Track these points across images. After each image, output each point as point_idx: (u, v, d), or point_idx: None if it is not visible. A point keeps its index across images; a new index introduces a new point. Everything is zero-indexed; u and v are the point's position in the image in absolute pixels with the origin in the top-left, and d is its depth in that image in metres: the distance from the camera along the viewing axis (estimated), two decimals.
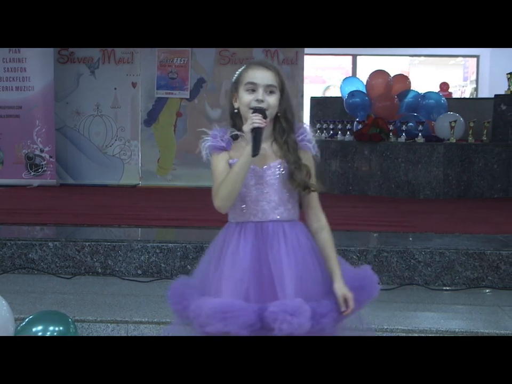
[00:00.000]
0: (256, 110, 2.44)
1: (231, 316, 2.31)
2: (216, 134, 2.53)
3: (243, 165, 2.43)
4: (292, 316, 2.31)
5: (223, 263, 2.46)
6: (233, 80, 2.57)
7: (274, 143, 2.53)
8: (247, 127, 2.42)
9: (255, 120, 2.41)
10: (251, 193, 2.50)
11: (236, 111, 2.55)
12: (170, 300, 2.59)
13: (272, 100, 2.49)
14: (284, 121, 2.52)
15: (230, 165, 2.49)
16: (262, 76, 2.49)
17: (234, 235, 2.50)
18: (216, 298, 2.38)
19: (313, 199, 2.57)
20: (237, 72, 2.57)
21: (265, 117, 2.43)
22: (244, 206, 2.50)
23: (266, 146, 2.51)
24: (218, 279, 2.44)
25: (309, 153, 2.56)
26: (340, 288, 2.50)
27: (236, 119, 2.57)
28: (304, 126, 2.60)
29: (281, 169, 2.50)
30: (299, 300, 2.37)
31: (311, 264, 2.50)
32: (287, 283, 2.41)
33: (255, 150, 2.40)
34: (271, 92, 2.49)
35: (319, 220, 2.58)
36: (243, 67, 2.56)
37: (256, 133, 2.40)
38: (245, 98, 2.49)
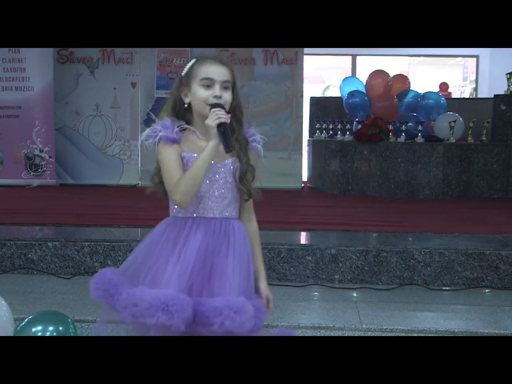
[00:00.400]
0: (215, 106, 2.41)
1: (176, 309, 2.28)
2: (168, 125, 2.48)
3: (206, 159, 2.39)
4: (236, 314, 2.31)
5: (168, 256, 2.42)
6: (184, 73, 2.52)
7: None
8: (212, 122, 2.38)
9: (220, 115, 2.38)
10: (205, 189, 2.47)
11: (185, 105, 2.51)
12: (94, 285, 2.48)
13: (227, 96, 2.47)
14: (234, 119, 2.49)
15: (183, 159, 2.45)
16: (218, 72, 2.46)
17: (184, 229, 2.46)
18: (160, 290, 2.34)
19: (250, 200, 2.57)
20: (188, 66, 2.52)
21: (227, 112, 2.42)
22: (197, 201, 2.46)
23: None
24: (161, 271, 2.41)
25: (255, 155, 2.56)
26: (265, 288, 2.56)
27: (184, 113, 2.52)
28: (251, 127, 2.59)
29: (234, 168, 2.49)
30: (242, 298, 2.38)
31: (249, 263, 2.50)
32: (232, 281, 2.41)
33: (228, 146, 2.38)
34: (226, 88, 2.48)
35: (250, 219, 2.61)
36: (193, 60, 2.52)
37: (224, 127, 2.38)
38: (201, 93, 2.45)
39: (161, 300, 2.29)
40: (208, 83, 2.45)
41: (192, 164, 2.42)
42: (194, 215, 2.48)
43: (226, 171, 2.49)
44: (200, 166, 2.39)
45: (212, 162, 2.44)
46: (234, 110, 2.51)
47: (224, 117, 2.39)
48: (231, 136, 2.41)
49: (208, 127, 2.40)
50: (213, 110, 2.40)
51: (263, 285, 2.56)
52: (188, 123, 2.52)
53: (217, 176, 2.48)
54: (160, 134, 2.45)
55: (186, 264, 2.39)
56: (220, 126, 2.38)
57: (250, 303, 2.39)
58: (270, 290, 2.59)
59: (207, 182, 2.46)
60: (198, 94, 2.46)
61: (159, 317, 2.28)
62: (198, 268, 2.40)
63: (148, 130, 2.50)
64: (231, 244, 2.46)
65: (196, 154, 2.44)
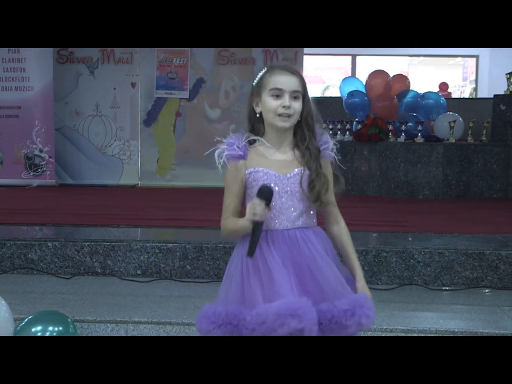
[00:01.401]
0: (262, 191, 2.37)
1: (303, 312, 2.29)
2: (233, 142, 2.49)
3: (242, 228, 2.43)
4: (368, 310, 2.41)
5: (263, 270, 2.40)
6: (255, 83, 2.53)
7: (296, 149, 2.52)
8: (249, 216, 2.36)
9: (257, 211, 2.34)
10: (276, 201, 2.46)
11: (257, 115, 2.52)
12: (210, 325, 2.42)
13: (297, 106, 2.48)
14: (305, 127, 2.51)
15: (248, 175, 2.46)
16: (287, 82, 2.47)
17: (262, 245, 2.43)
18: (279, 300, 2.32)
19: (332, 203, 2.63)
20: (259, 76, 2.52)
21: (268, 203, 2.37)
22: (269, 214, 2.44)
23: (289, 152, 2.51)
24: (267, 285, 2.38)
25: (328, 163, 2.58)
26: (362, 287, 2.57)
27: (256, 123, 2.54)
28: (325, 134, 2.59)
29: (303, 176, 2.49)
30: (363, 294, 2.46)
31: (336, 268, 2.51)
32: (340, 281, 2.45)
33: (251, 251, 2.38)
34: (296, 98, 2.48)
35: (338, 222, 2.65)
36: (264, 70, 2.53)
37: (256, 227, 2.36)
38: (271, 103, 2.46)
39: (287, 307, 2.29)
40: (278, 93, 2.46)
41: (234, 222, 2.46)
42: (267, 228, 2.46)
43: (295, 181, 2.48)
44: (237, 230, 2.46)
45: (280, 174, 2.46)
46: (306, 118, 2.51)
47: (260, 215, 2.35)
48: (258, 239, 2.38)
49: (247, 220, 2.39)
50: (253, 201, 2.37)
51: (360, 284, 2.56)
52: (259, 133, 2.53)
53: (287, 187, 2.48)
54: (225, 153, 2.47)
55: (285, 272, 2.39)
56: (255, 222, 2.36)
57: None
58: (367, 288, 2.60)
59: (277, 193, 2.45)
60: (267, 104, 2.47)
61: (290, 323, 2.28)
62: (293, 276, 2.40)
63: (218, 150, 2.50)
64: (313, 251, 2.46)
65: (261, 168, 2.45)
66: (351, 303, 2.38)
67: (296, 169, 2.49)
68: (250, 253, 2.37)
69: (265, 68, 2.54)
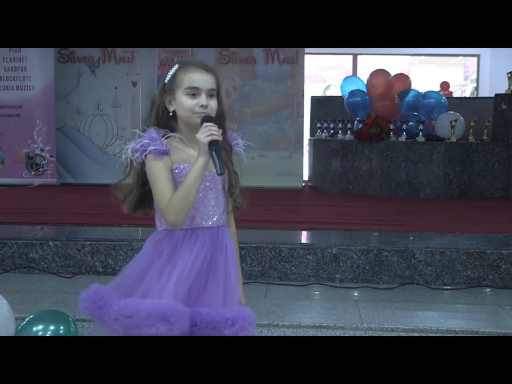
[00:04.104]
0: (207, 119, 2.33)
1: (176, 320, 2.23)
2: (155, 137, 2.36)
3: (197, 176, 2.30)
4: (249, 325, 2.30)
5: (162, 268, 2.35)
6: (167, 80, 2.45)
7: None
8: (204, 138, 2.27)
9: (213, 131, 2.29)
10: (201, 199, 2.40)
11: (170, 114, 2.43)
12: (81, 298, 2.41)
13: (213, 104, 2.41)
14: (218, 126, 2.38)
15: (174, 170, 2.37)
16: (203, 80, 2.39)
17: (183, 241, 2.38)
18: (157, 300, 2.27)
19: (230, 205, 2.52)
20: (171, 72, 2.45)
21: (219, 127, 2.33)
22: (194, 211, 2.38)
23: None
24: (154, 283, 2.33)
25: (237, 159, 2.51)
26: (243, 297, 2.53)
27: (168, 121, 2.44)
28: (233, 131, 2.55)
29: (223, 176, 2.41)
30: (249, 308, 2.37)
31: (236, 269, 2.47)
32: (235, 290, 2.39)
33: (220, 168, 2.28)
34: (211, 96, 2.41)
35: (231, 225, 2.56)
36: (176, 67, 2.45)
37: (216, 147, 2.29)
38: (187, 102, 2.38)
39: (161, 309, 2.23)
40: (194, 92, 2.38)
41: (183, 180, 2.32)
42: (192, 226, 2.40)
43: (218, 179, 2.42)
44: (192, 184, 2.29)
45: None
46: (219, 117, 2.43)
47: (217, 135, 2.29)
48: (221, 156, 2.30)
49: (199, 141, 2.29)
50: (205, 124, 2.31)
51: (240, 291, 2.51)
52: (172, 130, 2.43)
53: (211, 184, 2.42)
54: (150, 148, 2.34)
55: (184, 274, 2.32)
56: (212, 143, 2.28)
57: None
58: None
59: (202, 191, 2.39)
60: (184, 103, 2.39)
61: (159, 328, 2.23)
62: (195, 278, 2.34)
63: (133, 144, 2.39)
64: (228, 253, 2.42)
65: (187, 164, 2.36)
66: (236, 313, 2.30)
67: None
68: (222, 168, 2.28)
69: (178, 64, 2.46)
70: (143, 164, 2.39)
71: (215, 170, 2.32)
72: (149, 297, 2.31)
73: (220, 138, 2.31)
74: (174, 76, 2.43)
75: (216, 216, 2.44)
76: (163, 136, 2.39)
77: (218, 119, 2.41)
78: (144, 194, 2.48)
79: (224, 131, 2.43)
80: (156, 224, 2.50)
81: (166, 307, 2.24)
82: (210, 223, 2.42)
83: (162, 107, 2.45)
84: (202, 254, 2.37)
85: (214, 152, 2.29)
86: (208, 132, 2.29)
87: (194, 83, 2.39)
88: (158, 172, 2.35)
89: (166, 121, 2.44)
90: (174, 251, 2.38)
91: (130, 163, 2.44)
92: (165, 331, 2.23)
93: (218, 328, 2.28)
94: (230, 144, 2.50)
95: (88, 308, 2.39)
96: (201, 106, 2.37)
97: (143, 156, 2.36)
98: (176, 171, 2.37)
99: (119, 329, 2.29)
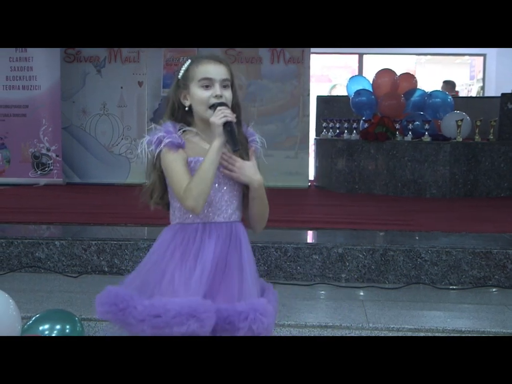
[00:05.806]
0: (220, 104, 2.34)
1: (207, 316, 2.22)
2: (170, 130, 2.38)
3: (213, 159, 2.30)
4: (262, 315, 2.28)
5: (180, 264, 2.34)
6: (180, 76, 2.43)
7: None
8: (218, 120, 2.29)
9: (226, 113, 2.30)
10: (214, 193, 2.39)
11: (186, 109, 2.43)
12: (100, 301, 2.35)
13: (228, 95, 2.40)
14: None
15: (189, 163, 2.36)
16: (216, 70, 2.39)
17: (196, 235, 2.37)
18: (184, 297, 2.26)
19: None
20: (184, 68, 2.43)
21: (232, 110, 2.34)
22: (207, 206, 2.37)
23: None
24: (176, 280, 2.32)
25: (254, 155, 2.48)
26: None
27: (186, 117, 2.44)
28: (250, 126, 2.53)
29: None
30: (264, 299, 2.36)
31: (254, 264, 2.47)
32: (251, 284, 2.38)
33: (235, 145, 2.30)
34: (226, 86, 2.40)
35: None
36: (189, 62, 2.44)
37: (230, 126, 2.31)
38: (202, 95, 2.37)
39: (191, 306, 2.22)
40: (208, 83, 2.37)
41: (199, 167, 2.32)
42: (204, 220, 2.39)
43: None
44: (208, 168, 2.29)
45: (220, 165, 2.36)
46: (234, 108, 2.41)
47: (230, 116, 2.31)
48: (236, 134, 2.32)
49: (213, 125, 2.31)
50: (218, 108, 2.32)
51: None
52: (188, 125, 2.43)
53: (224, 179, 2.40)
54: (166, 140, 2.36)
55: (202, 270, 2.32)
56: (226, 124, 2.30)
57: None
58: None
59: (216, 185, 2.38)
60: (198, 96, 2.38)
61: (190, 325, 2.21)
62: (213, 274, 2.33)
63: (148, 136, 2.41)
64: (243, 248, 2.41)
65: (202, 158, 2.34)
66: (248, 305, 2.29)
67: None
68: (237, 145, 2.31)
69: (189, 60, 2.45)
70: (159, 158, 2.41)
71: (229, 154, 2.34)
72: (172, 295, 2.29)
73: (233, 119, 2.32)
74: (186, 70, 2.42)
75: (229, 211, 2.43)
76: (179, 130, 2.40)
77: (233, 109, 2.39)
78: (167, 189, 2.49)
79: (240, 124, 2.44)
80: (170, 218, 2.50)
81: (195, 304, 2.23)
82: (223, 218, 2.41)
83: (178, 103, 2.45)
84: (218, 249, 2.36)
85: (228, 131, 2.31)
86: (222, 114, 2.30)
87: (207, 74, 2.38)
88: (173, 163, 2.36)
89: (182, 116, 2.44)
90: (188, 245, 2.37)
91: (151, 166, 2.48)
92: (196, 328, 2.22)
93: (233, 323, 2.27)
94: (246, 137, 2.48)
95: (109, 311, 2.33)
96: (216, 96, 2.37)
97: (159, 148, 2.37)
98: (191, 164, 2.37)
99: (146, 330, 2.27)
